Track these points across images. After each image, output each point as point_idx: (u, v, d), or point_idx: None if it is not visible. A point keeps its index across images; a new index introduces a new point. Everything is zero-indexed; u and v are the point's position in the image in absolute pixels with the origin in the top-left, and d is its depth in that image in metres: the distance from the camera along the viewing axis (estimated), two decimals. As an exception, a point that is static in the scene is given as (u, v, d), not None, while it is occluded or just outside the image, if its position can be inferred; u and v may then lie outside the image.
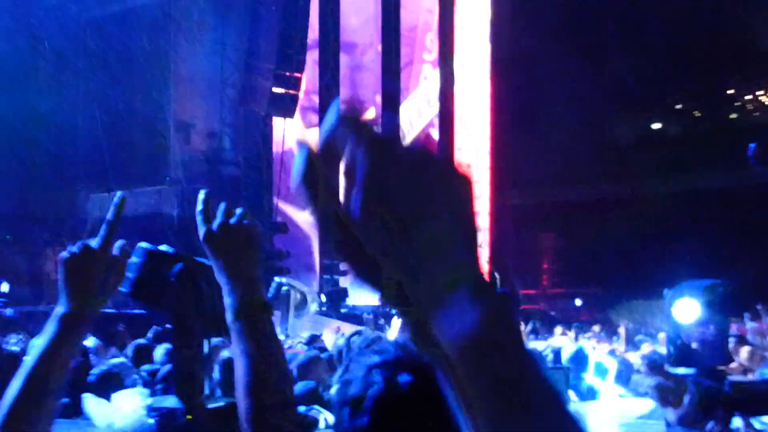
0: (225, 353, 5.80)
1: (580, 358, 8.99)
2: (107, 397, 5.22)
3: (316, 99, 21.43)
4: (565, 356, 9.27)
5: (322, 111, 20.24)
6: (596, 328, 16.32)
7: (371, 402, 1.59)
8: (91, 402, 5.11)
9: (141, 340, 9.12)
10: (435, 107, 24.43)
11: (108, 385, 5.86)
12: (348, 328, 12.73)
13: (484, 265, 16.70)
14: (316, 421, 5.28)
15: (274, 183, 20.40)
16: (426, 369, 1.24)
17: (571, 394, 8.34)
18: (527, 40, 23.76)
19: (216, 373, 5.95)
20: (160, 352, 7.46)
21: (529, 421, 0.68)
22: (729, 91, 24.45)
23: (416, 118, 23.72)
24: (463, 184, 0.70)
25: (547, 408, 0.69)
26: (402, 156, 0.67)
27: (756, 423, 4.91)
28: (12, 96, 19.07)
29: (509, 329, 0.68)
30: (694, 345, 8.63)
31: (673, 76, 24.72)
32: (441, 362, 0.71)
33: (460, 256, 0.66)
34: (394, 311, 6.70)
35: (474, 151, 24.84)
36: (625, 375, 8.97)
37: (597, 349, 10.95)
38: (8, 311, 15.53)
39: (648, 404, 7.13)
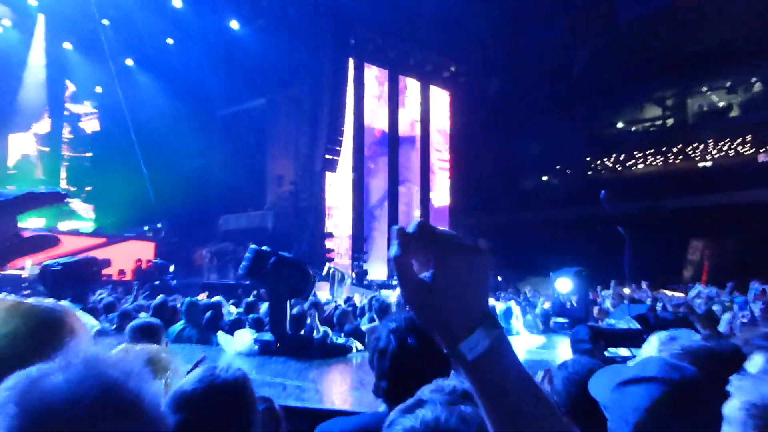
0: (295, 310, 6.69)
1: (508, 312, 10.16)
2: (231, 334, 6.41)
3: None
4: (498, 311, 10.22)
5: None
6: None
7: (389, 352, 2.05)
8: (222, 337, 6.33)
9: (250, 299, 10.06)
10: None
11: (234, 326, 7.06)
12: (368, 293, 16.00)
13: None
14: (351, 348, 6.48)
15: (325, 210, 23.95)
16: (425, 333, 1.62)
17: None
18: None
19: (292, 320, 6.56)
20: (263, 308, 8.16)
21: (524, 417, 0.87)
22: (587, 158, 28.36)
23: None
24: (483, 258, 0.89)
25: (535, 406, 0.87)
26: (448, 244, 0.87)
27: (606, 353, 4.93)
28: (181, 159, 24.66)
29: (509, 350, 0.89)
30: (567, 305, 11.98)
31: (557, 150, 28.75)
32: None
33: (482, 305, 0.88)
34: (395, 283, 16.64)
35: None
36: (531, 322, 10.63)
37: (515, 308, 10.74)
38: (174, 282, 18.70)
39: (542, 339, 9.13)
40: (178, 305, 8.08)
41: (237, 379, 1.82)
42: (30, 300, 1.66)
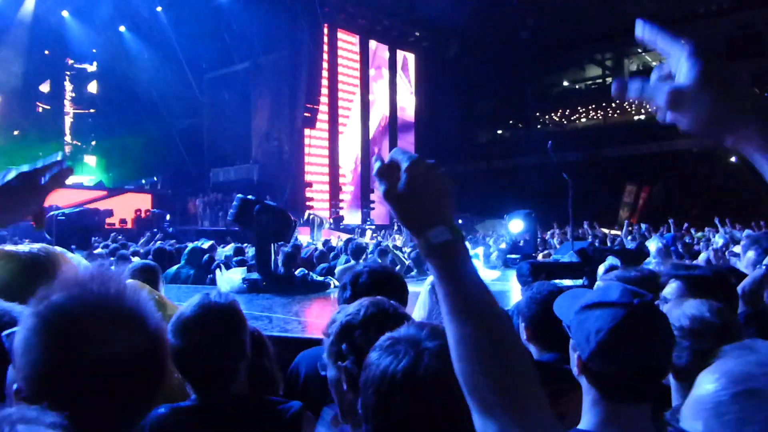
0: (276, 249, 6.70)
1: None
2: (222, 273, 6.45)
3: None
4: None
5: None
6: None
7: (353, 286, 2.24)
8: (218, 275, 6.45)
9: (238, 244, 10.08)
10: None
11: (224, 267, 6.80)
12: (344, 236, 15.55)
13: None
14: (329, 284, 6.49)
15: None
16: (380, 272, 2.28)
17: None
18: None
19: (280, 260, 6.76)
20: (250, 251, 8.33)
21: (476, 304, 0.93)
22: (536, 114, 28.56)
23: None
24: (444, 180, 0.98)
25: (485, 296, 0.94)
26: (417, 167, 0.95)
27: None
28: (174, 118, 24.81)
29: (467, 253, 0.96)
30: (520, 243, 12.23)
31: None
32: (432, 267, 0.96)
33: (446, 215, 0.96)
34: (368, 227, 16.93)
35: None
36: (487, 258, 10.74)
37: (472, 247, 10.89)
38: (170, 230, 18.51)
39: (497, 273, 9.25)
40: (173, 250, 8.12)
41: (229, 304, 1.88)
42: (22, 247, 1.65)
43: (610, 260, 4.47)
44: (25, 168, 1.21)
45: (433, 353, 1.05)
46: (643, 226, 14.48)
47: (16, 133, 23.62)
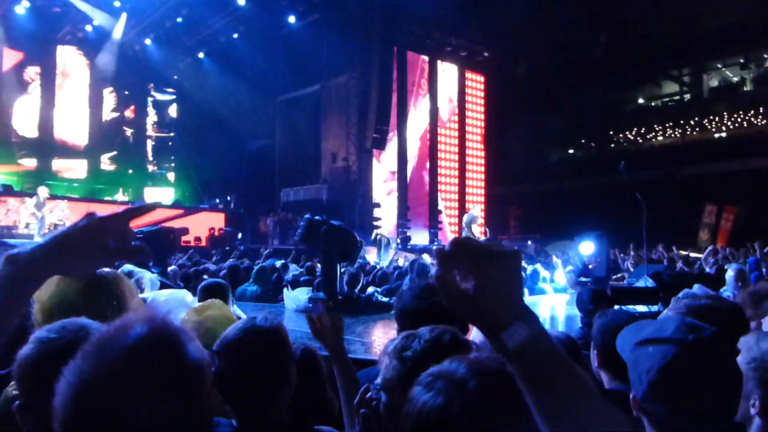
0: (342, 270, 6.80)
1: (535, 273, 10.75)
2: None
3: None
4: (528, 271, 10.75)
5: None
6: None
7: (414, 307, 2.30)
8: (285, 293, 6.59)
9: (309, 263, 9.92)
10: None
11: (293, 285, 7.05)
12: (410, 256, 16.54)
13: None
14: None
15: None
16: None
17: (527, 292, 9.48)
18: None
19: (345, 281, 6.89)
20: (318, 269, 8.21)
21: (567, 400, 0.87)
22: (610, 132, 28.12)
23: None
24: (515, 259, 0.93)
25: (578, 390, 0.88)
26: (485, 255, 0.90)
27: (625, 308, 4.69)
28: (246, 140, 26.10)
29: (548, 339, 0.90)
30: (591, 266, 11.23)
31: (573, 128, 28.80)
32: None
33: (520, 305, 0.92)
34: (435, 247, 16.67)
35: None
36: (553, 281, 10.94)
37: (542, 270, 11.53)
38: (242, 248, 18.80)
39: (567, 297, 9.16)
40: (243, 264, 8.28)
41: (274, 328, 1.88)
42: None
43: (697, 287, 4.16)
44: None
45: (471, 391, 1.02)
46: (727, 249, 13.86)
47: (106, 156, 24.90)
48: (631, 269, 11.87)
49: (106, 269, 1.81)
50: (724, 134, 25.34)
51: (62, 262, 1.09)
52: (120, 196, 23.35)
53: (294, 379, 1.87)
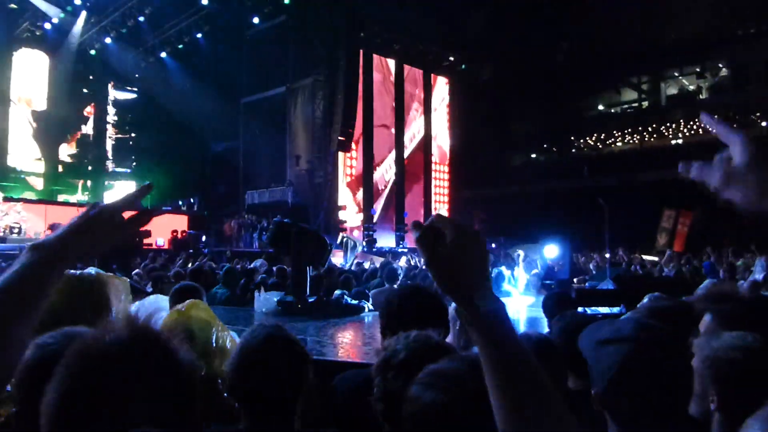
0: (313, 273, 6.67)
1: (500, 276, 10.09)
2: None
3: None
4: (493, 273, 9.29)
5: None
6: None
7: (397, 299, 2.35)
8: (256, 296, 6.44)
9: (280, 266, 9.04)
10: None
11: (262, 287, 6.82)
12: (377, 259, 16.43)
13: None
14: (364, 308, 6.47)
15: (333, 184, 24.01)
16: (425, 292, 2.34)
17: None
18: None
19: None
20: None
21: (518, 366, 0.94)
22: (571, 137, 28.52)
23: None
24: (481, 242, 0.99)
25: (527, 358, 0.95)
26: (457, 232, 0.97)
27: (588, 310, 5.37)
28: (210, 141, 26.06)
29: (508, 314, 0.97)
30: (555, 268, 12.17)
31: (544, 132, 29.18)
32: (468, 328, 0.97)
33: (489, 281, 0.99)
34: (401, 250, 16.81)
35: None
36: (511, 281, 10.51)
37: (506, 272, 10.76)
38: (206, 250, 18.71)
39: (532, 299, 8.96)
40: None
41: (292, 336, 1.94)
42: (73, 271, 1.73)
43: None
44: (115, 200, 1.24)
45: (471, 388, 1.05)
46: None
47: (63, 158, 24.34)
48: (593, 272, 11.99)
49: (92, 270, 1.81)
50: (680, 141, 25.95)
51: (89, 241, 1.14)
52: (79, 196, 22.86)
53: (307, 387, 1.88)
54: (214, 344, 2.04)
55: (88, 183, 24.51)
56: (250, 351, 1.82)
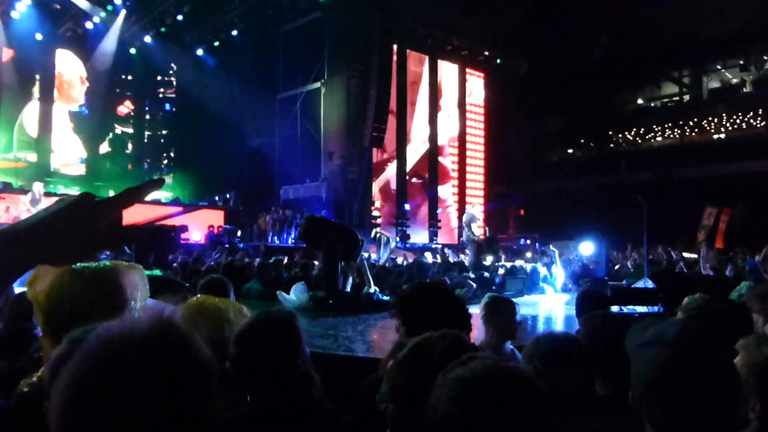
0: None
1: (534, 272, 10.82)
2: (289, 291, 6.44)
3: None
4: (528, 270, 11.16)
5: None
6: (528, 254, 18.86)
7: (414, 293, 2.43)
8: (281, 295, 6.29)
9: (306, 261, 9.52)
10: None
11: (291, 283, 6.89)
12: (410, 254, 17.29)
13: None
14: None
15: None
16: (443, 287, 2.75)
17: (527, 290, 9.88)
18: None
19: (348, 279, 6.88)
20: (316, 268, 8.06)
21: None
22: (609, 132, 28.28)
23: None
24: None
25: None
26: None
27: (624, 309, 5.29)
28: (246, 137, 26.06)
29: None
30: (591, 266, 12.04)
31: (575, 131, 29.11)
32: None
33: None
34: (435, 246, 16.99)
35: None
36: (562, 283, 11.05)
37: (541, 269, 11.38)
38: (241, 245, 18.88)
39: (567, 297, 9.16)
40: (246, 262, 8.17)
41: (285, 315, 2.03)
42: (89, 264, 1.71)
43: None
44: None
45: (498, 394, 1.03)
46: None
47: (102, 156, 24.83)
48: (631, 270, 11.82)
49: (108, 262, 1.79)
50: (723, 135, 25.37)
51: (44, 248, 0.96)
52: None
53: (306, 360, 1.98)
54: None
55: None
56: (239, 331, 1.95)
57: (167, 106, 27.27)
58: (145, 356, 0.87)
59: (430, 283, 2.45)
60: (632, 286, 8.13)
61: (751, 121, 24.82)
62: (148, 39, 24.31)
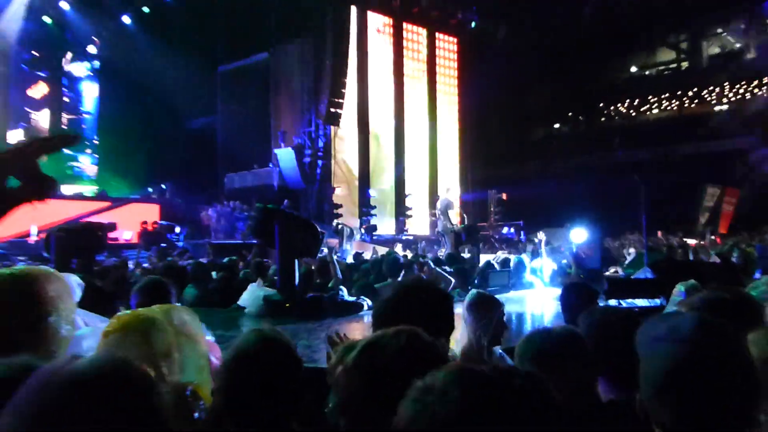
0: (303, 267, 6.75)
1: (520, 264, 10.91)
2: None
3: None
4: (512, 263, 11.13)
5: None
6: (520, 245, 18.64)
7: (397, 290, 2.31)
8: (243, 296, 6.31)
9: (259, 260, 9.33)
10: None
11: (243, 286, 6.86)
12: (379, 248, 16.98)
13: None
14: (362, 305, 6.47)
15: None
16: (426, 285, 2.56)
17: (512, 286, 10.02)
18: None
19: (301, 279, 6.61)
20: (272, 268, 7.96)
21: None
22: (599, 105, 28.58)
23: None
24: None
25: None
26: None
27: (623, 303, 5.42)
28: (183, 118, 25.81)
29: None
30: (582, 255, 11.56)
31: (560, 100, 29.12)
32: None
33: None
34: (405, 238, 16.86)
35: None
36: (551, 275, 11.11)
37: (526, 260, 11.66)
38: (180, 244, 19.01)
39: (557, 291, 8.00)
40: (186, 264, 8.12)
41: (286, 339, 2.02)
42: (4, 269, 1.65)
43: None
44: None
45: (480, 402, 0.94)
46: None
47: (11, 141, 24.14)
48: (628, 258, 12.11)
49: (29, 268, 1.72)
50: (725, 107, 25.85)
51: None
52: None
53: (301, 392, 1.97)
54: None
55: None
56: (240, 353, 1.90)
57: (89, 85, 26.71)
58: (91, 401, 0.88)
59: (415, 282, 2.38)
60: (631, 276, 8.22)
61: (756, 89, 25.32)
62: (65, 5, 23.66)
